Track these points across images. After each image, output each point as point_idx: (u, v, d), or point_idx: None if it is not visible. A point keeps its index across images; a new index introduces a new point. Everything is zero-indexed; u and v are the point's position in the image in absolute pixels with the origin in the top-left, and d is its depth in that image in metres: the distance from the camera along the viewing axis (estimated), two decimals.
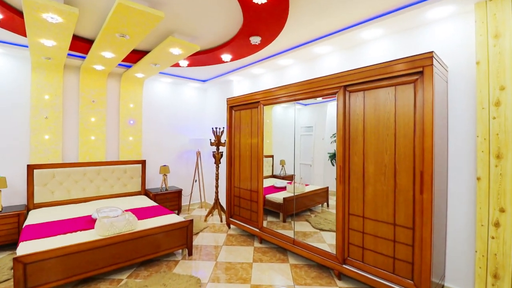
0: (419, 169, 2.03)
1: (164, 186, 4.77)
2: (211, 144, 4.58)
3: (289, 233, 3.15)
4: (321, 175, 3.46)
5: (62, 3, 2.19)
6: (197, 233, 3.89)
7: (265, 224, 3.52)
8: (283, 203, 3.48)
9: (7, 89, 3.59)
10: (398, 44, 2.70)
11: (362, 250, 2.39)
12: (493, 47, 2.00)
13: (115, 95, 4.43)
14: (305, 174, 3.48)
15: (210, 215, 4.68)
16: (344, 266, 2.50)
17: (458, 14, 2.32)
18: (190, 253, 3.11)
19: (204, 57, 3.56)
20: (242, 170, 3.82)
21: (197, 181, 5.43)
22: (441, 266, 2.27)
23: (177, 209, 4.74)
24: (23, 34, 2.90)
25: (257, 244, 3.51)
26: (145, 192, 4.58)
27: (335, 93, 2.59)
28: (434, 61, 1.98)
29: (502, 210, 1.93)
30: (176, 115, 5.23)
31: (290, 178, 3.51)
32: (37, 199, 3.65)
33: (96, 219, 3.00)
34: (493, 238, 1.97)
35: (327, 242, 3.07)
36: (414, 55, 2.04)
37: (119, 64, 3.97)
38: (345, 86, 2.50)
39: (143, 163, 4.54)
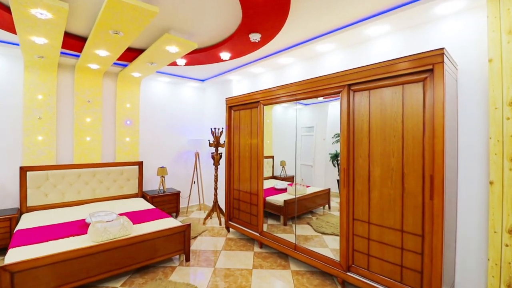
0: (429, 172, 1.92)
1: (161, 188, 4.66)
2: (210, 145, 4.47)
3: (290, 238, 3.04)
4: (322, 176, 3.40)
5: None
6: (195, 237, 3.77)
7: (265, 227, 3.41)
8: (283, 205, 3.38)
9: None
10: (404, 42, 2.58)
11: (367, 257, 2.28)
12: (507, 44, 1.88)
13: (111, 95, 4.32)
14: (306, 175, 3.40)
15: (209, 218, 4.57)
16: (348, 273, 2.38)
17: (468, 9, 2.20)
18: (187, 259, 3.00)
19: (202, 55, 3.44)
20: (242, 171, 3.71)
21: (196, 183, 5.31)
22: (451, 275, 2.15)
23: (175, 211, 4.63)
24: (14, 31, 2.79)
25: (257, 248, 3.39)
26: (142, 195, 4.47)
27: (338, 93, 2.47)
28: (445, 58, 1.86)
29: None
30: (174, 116, 5.12)
31: (291, 179, 3.42)
32: (30, 202, 3.53)
33: (90, 223, 2.88)
34: (507, 245, 1.85)
35: (330, 246, 2.97)
36: (424, 52, 1.93)
37: (115, 63, 3.85)
38: (349, 85, 2.39)
39: (140, 164, 4.43)
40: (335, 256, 2.57)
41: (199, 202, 5.29)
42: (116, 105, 4.31)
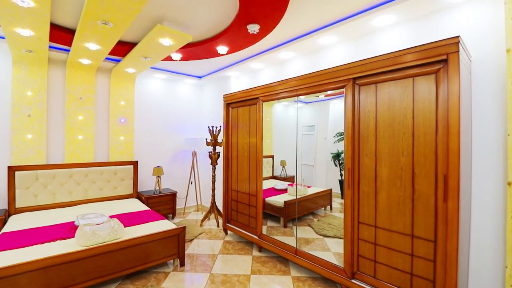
0: (442, 172, 1.75)
1: (157, 188, 4.50)
2: (207, 143, 4.31)
3: (290, 241, 2.88)
4: (323, 176, 3.27)
5: None
6: (191, 240, 3.61)
7: (264, 229, 3.25)
8: (284, 207, 3.23)
9: None
10: (413, 33, 2.42)
11: (374, 263, 2.11)
12: None
13: (105, 92, 4.16)
14: (307, 175, 3.28)
15: (207, 219, 4.41)
16: (353, 281, 2.22)
17: None
18: (182, 264, 2.84)
19: (198, 49, 3.28)
20: (240, 172, 3.55)
21: (193, 183, 5.15)
22: (464, 283, 1.99)
23: (172, 213, 4.47)
24: None
25: (255, 252, 3.23)
26: (137, 195, 4.31)
27: (342, 87, 2.31)
28: (460, 47, 1.70)
29: None
30: (171, 113, 4.95)
31: (291, 179, 3.29)
32: (19, 204, 3.38)
33: (79, 226, 2.73)
34: None
35: (332, 250, 2.83)
36: (437, 41, 1.76)
37: (107, 58, 3.69)
38: (354, 79, 2.22)
39: (135, 164, 4.27)
40: (339, 262, 2.41)
41: (197, 203, 5.13)
42: (110, 103, 4.15)
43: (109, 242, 2.44)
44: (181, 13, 2.51)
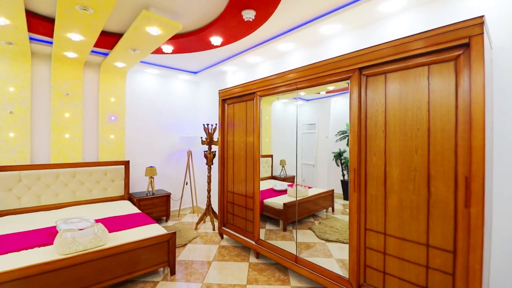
0: (463, 174, 1.53)
1: (150, 190, 4.28)
2: (202, 142, 4.08)
3: (290, 246, 2.67)
4: (325, 176, 3.13)
5: None
6: (185, 245, 3.39)
7: (263, 232, 3.04)
8: (283, 209, 3.02)
9: None
10: (424, 19, 2.19)
11: (383, 275, 1.89)
12: None
13: (94, 88, 3.93)
14: (308, 175, 3.13)
15: (202, 222, 4.19)
16: None
17: None
18: (172, 272, 2.62)
19: (190, 40, 3.05)
20: (236, 172, 3.33)
21: (189, 184, 4.93)
22: None
23: (165, 215, 4.25)
24: None
25: (253, 259, 3.01)
26: (129, 197, 4.09)
27: (347, 78, 2.08)
28: (484, 30, 1.47)
29: None
30: (165, 111, 4.73)
31: (291, 179, 3.12)
32: (0, 206, 3.16)
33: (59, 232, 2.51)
34: None
35: (335, 256, 2.63)
36: (457, 22, 1.54)
37: (95, 51, 3.46)
38: (360, 69, 2.00)
39: (126, 164, 4.05)
40: (343, 271, 2.19)
41: (192, 205, 4.91)
42: (99, 99, 3.93)
43: (91, 250, 2.23)
44: None
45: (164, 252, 2.57)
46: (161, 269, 2.72)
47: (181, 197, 4.74)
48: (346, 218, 3.02)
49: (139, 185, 4.39)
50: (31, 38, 3.05)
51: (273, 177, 3.50)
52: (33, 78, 3.47)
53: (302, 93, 2.62)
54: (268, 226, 3.15)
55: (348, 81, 2.07)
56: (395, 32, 2.34)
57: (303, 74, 2.40)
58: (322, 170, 3.13)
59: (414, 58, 1.73)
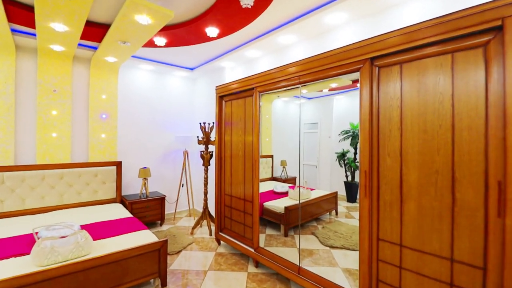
0: (496, 177, 1.31)
1: (144, 192, 4.06)
2: (199, 142, 3.87)
3: (292, 253, 2.46)
4: (327, 178, 2.97)
5: None
6: (179, 252, 3.17)
7: (262, 238, 2.83)
8: (284, 213, 2.82)
9: None
10: (441, 5, 1.97)
11: None
12: None
13: (84, 84, 3.71)
14: (310, 177, 2.98)
15: (198, 226, 3.97)
16: None
17: None
18: (164, 283, 2.40)
19: (184, 31, 2.83)
20: (234, 174, 3.11)
21: (185, 186, 4.71)
22: None
23: (160, 219, 4.03)
24: None
25: (252, 268, 2.79)
26: (121, 200, 3.87)
27: (356, 70, 1.87)
28: None
29: None
30: (160, 109, 4.51)
31: (292, 180, 2.98)
32: None
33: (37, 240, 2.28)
34: None
35: (340, 265, 2.42)
36: (486, 3, 1.32)
37: (83, 45, 3.24)
38: (372, 59, 1.78)
39: (118, 164, 3.83)
40: (349, 282, 1.98)
41: (189, 208, 4.69)
42: (89, 96, 3.71)
43: (72, 261, 2.01)
44: None
45: (154, 262, 2.36)
46: (152, 280, 2.50)
47: (177, 199, 4.51)
48: (350, 222, 2.83)
49: (132, 187, 4.17)
50: (13, 30, 2.83)
51: (273, 178, 3.32)
52: (17, 73, 3.25)
53: (304, 91, 2.42)
54: (268, 231, 2.95)
55: (358, 73, 1.85)
56: (408, 21, 2.13)
57: (307, 66, 2.19)
58: (324, 171, 2.97)
59: (435, 45, 1.51)
